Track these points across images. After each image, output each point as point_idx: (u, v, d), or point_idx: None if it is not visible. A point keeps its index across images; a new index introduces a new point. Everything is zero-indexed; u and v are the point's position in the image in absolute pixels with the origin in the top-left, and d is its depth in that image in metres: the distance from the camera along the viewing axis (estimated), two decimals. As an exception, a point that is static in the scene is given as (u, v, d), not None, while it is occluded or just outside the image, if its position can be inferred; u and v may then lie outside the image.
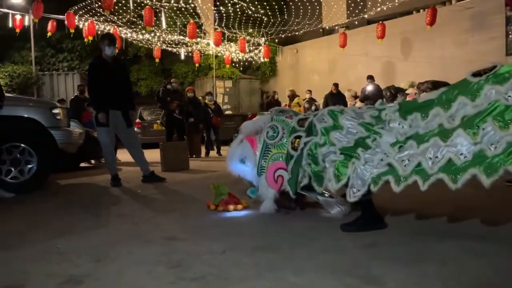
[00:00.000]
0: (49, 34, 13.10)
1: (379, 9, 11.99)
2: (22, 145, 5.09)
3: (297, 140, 3.20)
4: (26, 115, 5.15)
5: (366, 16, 12.91)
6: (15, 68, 15.78)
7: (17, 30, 12.98)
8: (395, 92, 12.12)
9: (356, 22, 13.20)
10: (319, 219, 3.22)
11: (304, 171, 3.14)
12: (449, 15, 11.58)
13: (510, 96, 2.40)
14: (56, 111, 5.45)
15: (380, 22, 11.96)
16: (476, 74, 2.59)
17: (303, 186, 3.23)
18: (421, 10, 12.77)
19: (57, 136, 5.32)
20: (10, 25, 12.97)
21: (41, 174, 5.24)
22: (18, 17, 12.98)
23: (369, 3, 12.63)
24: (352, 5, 13.13)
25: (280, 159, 3.31)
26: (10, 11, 13.17)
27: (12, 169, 5.07)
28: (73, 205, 4.32)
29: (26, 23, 13.13)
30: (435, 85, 11.51)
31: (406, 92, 11.96)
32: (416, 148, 2.60)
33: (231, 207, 3.66)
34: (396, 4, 11.47)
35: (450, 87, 2.80)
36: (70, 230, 3.15)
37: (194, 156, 9.60)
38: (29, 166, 5.16)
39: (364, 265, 2.18)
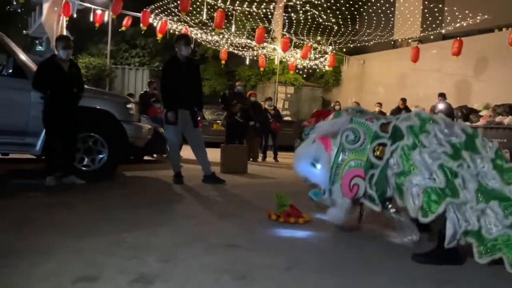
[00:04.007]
0: (123, 28, 13.79)
1: (458, 25, 11.40)
2: (97, 135, 5.35)
3: (381, 147, 2.85)
4: (103, 108, 5.41)
5: (443, 31, 12.34)
6: (91, 60, 16.78)
7: (97, 25, 13.77)
8: (468, 112, 11.46)
9: (432, 37, 12.65)
10: (389, 244, 3.06)
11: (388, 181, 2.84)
12: (534, 35, 10.75)
13: None
14: (129, 106, 5.69)
15: (458, 38, 11.37)
16: None
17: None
18: (504, 29, 11.99)
19: (128, 130, 5.55)
20: (91, 19, 13.80)
21: (111, 165, 5.48)
22: (99, 12, 13.78)
23: (449, 18, 12.05)
24: (430, 18, 12.59)
25: (359, 166, 2.97)
26: (92, 6, 14.02)
27: (85, 157, 5.35)
28: (138, 198, 4.47)
29: (106, 18, 13.90)
30: (513, 109, 10.75)
31: (480, 114, 11.27)
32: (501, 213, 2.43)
33: (292, 219, 3.59)
34: (478, 20, 10.85)
35: None
36: (137, 225, 3.24)
37: (251, 159, 9.65)
38: (100, 156, 5.41)
39: (442, 304, 2.03)
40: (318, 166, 3.15)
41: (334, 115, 3.27)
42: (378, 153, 2.86)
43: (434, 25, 12.58)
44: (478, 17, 10.93)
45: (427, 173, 2.57)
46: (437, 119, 2.76)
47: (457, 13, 11.78)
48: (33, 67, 5.10)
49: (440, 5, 12.60)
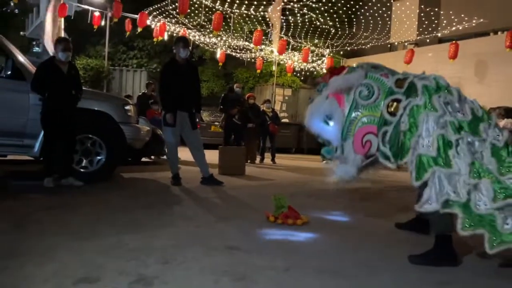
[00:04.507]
0: (127, 33, 13.81)
1: (453, 28, 11.49)
2: (95, 137, 5.36)
3: (395, 103, 2.78)
4: (101, 109, 5.42)
5: (439, 34, 12.43)
6: (89, 61, 16.78)
7: (95, 27, 13.77)
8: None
9: (428, 40, 12.75)
10: (387, 245, 3.10)
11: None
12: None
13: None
14: (128, 107, 5.71)
15: (454, 41, 11.46)
16: None
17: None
18: (499, 32, 12.11)
19: (126, 131, 5.56)
20: (89, 21, 13.79)
21: (109, 166, 5.49)
22: (96, 14, 13.78)
23: (445, 21, 12.15)
24: (426, 22, 12.68)
25: (372, 122, 2.87)
26: (90, 8, 14.02)
27: (83, 159, 5.36)
28: (137, 200, 4.47)
29: (103, 21, 13.90)
30: (508, 111, 10.82)
31: (476, 116, 11.34)
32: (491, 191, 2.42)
33: (290, 221, 3.62)
34: (473, 24, 10.94)
35: None
36: (136, 227, 3.26)
37: (249, 161, 9.66)
38: (98, 157, 5.42)
39: (438, 305, 2.06)
40: (331, 123, 3.07)
41: (348, 70, 3.14)
42: (392, 109, 2.80)
43: (430, 29, 12.68)
44: (474, 21, 11.03)
45: (426, 139, 2.57)
46: (453, 90, 2.72)
47: (453, 17, 11.88)
48: (32, 68, 5.11)
49: (436, 9, 12.70)
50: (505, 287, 2.42)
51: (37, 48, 28.34)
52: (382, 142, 2.80)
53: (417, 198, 3.23)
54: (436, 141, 2.54)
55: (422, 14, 13.15)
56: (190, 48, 5.91)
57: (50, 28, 11.75)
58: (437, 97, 2.62)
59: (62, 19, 12.65)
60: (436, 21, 12.86)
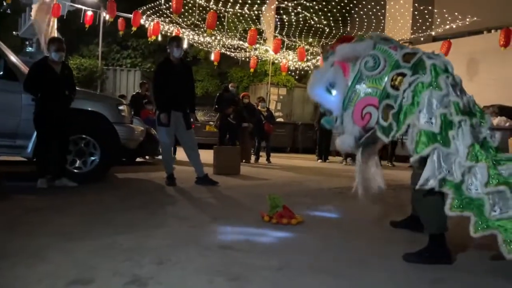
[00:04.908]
0: (121, 32, 13.75)
1: (447, 26, 11.54)
2: (88, 137, 5.33)
3: (399, 77, 2.70)
4: (94, 110, 5.39)
5: (433, 33, 12.47)
6: (82, 61, 16.69)
7: (86, 26, 13.68)
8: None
9: (422, 39, 12.78)
10: (382, 244, 3.11)
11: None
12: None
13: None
14: (121, 107, 5.68)
15: (448, 39, 11.51)
16: None
17: None
18: (492, 31, 12.17)
19: (120, 132, 5.53)
20: (81, 20, 13.72)
21: (103, 167, 5.46)
22: (89, 13, 13.71)
23: (438, 20, 12.19)
24: (420, 21, 12.72)
25: (374, 95, 2.80)
26: (83, 7, 13.95)
27: (77, 159, 5.33)
28: (131, 201, 4.46)
29: (96, 19, 13.83)
30: (502, 109, 10.88)
31: (469, 114, 11.39)
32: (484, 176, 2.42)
33: (285, 220, 3.61)
34: (467, 22, 10.99)
35: None
36: (130, 227, 3.24)
37: (244, 161, 9.65)
38: (92, 158, 5.39)
39: (433, 303, 2.06)
40: (334, 91, 2.99)
41: (357, 40, 3.02)
42: (396, 83, 2.73)
43: (424, 27, 12.71)
44: (468, 19, 11.07)
45: (427, 115, 2.55)
46: (457, 78, 2.72)
47: (446, 15, 11.93)
48: (24, 69, 5.07)
49: (430, 7, 12.74)
50: (499, 284, 2.42)
51: (30, 48, 28.17)
52: (382, 115, 2.76)
53: (411, 198, 3.25)
54: (439, 119, 2.52)
55: (416, 13, 13.18)
56: (184, 47, 5.89)
57: (46, 28, 11.68)
58: (445, 77, 2.60)
59: (55, 19, 12.56)
60: (430, 20, 12.90)
